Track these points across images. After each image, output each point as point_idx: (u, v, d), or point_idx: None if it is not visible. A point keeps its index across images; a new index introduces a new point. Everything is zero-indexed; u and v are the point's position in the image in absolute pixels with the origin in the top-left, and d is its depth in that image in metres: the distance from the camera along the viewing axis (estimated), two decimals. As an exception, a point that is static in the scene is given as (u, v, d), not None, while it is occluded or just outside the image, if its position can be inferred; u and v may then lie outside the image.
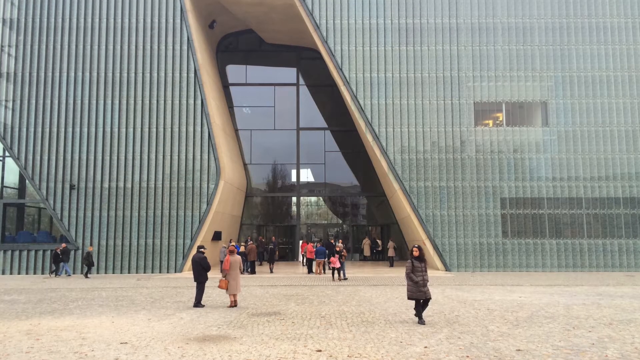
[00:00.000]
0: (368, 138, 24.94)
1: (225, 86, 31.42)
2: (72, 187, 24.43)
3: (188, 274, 22.51)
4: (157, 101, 25.03)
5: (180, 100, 25.03)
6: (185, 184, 24.64)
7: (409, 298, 10.55)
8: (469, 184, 24.45)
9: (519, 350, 8.01)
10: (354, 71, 25.04)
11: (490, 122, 25.47)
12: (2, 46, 25.28)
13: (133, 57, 25.23)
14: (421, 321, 10.33)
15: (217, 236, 25.93)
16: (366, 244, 30.98)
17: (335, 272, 20.22)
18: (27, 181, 25.23)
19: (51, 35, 25.39)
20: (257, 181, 32.41)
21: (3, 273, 24.15)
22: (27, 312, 12.47)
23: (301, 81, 32.06)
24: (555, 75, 24.99)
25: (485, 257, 24.05)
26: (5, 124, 24.92)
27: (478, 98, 24.93)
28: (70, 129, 24.84)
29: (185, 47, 25.24)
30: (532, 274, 22.38)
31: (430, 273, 20.09)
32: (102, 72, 25.15)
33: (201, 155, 24.81)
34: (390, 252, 26.47)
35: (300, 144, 31.68)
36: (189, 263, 23.59)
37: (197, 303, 12.99)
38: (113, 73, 25.13)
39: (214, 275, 17.33)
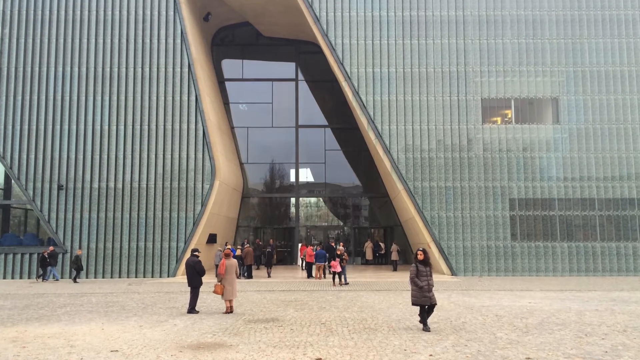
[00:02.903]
0: (370, 136, 24.59)
1: (220, 81, 31.21)
2: (60, 187, 24.12)
3: (182, 278, 22.53)
4: (149, 97, 24.72)
5: (173, 97, 24.74)
6: (179, 184, 24.35)
7: (413, 304, 10.42)
8: (476, 184, 24.02)
9: (528, 358, 7.93)
10: (355, 66, 24.66)
11: (499, 119, 25.18)
12: (-13, 40, 25.07)
13: (124, 51, 24.90)
14: (426, 328, 10.18)
15: (212, 239, 25.77)
16: (368, 247, 30.73)
17: (336, 276, 20.10)
18: (12, 181, 24.95)
19: (38, 28, 25.03)
20: (254, 181, 32.20)
21: (-13, 277, 23.92)
22: (12, 318, 12.35)
23: (300, 76, 31.85)
24: (566, 70, 24.56)
25: (493, 260, 23.65)
26: (-11, 121, 24.66)
27: (486, 94, 24.59)
28: (58, 127, 24.52)
29: (178, 40, 24.98)
30: (543, 279, 22.10)
31: (436, 277, 19.99)
32: (92, 66, 24.81)
33: (195, 154, 24.53)
34: (394, 256, 26.23)
35: (299, 142, 31.44)
36: (182, 267, 23.51)
37: (191, 309, 12.87)
38: (103, 68, 24.80)
39: (208, 280, 17.33)
